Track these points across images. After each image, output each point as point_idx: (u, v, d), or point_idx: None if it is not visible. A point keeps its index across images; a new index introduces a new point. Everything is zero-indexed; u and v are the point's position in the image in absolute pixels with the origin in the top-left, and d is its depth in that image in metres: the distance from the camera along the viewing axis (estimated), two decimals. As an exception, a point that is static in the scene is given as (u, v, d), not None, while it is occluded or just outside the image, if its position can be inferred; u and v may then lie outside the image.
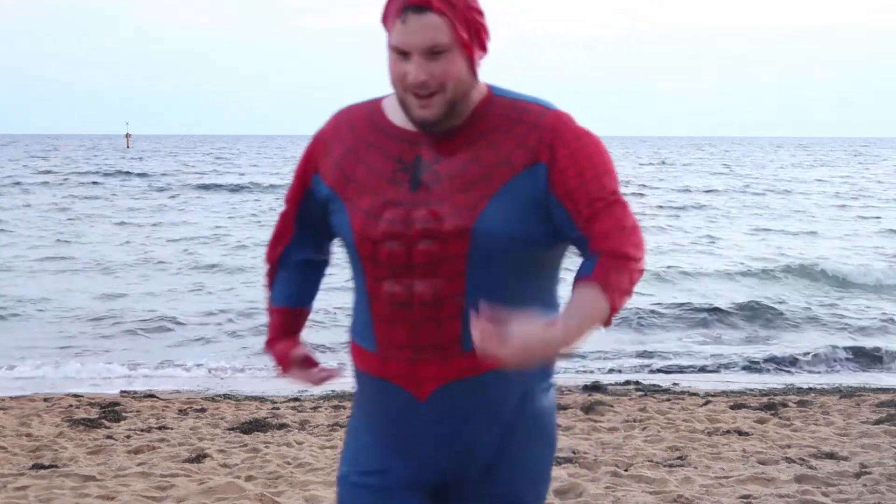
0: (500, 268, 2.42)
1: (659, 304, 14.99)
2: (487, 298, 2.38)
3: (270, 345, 2.73)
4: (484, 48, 2.43)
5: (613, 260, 2.37)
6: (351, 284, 2.59)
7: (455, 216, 2.39)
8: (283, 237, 2.71)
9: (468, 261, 2.39)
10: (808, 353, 12.00)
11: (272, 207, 32.52)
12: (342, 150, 2.52)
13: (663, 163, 75.27)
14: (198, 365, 11.26)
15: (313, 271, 2.76)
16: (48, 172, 51.74)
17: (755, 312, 14.61)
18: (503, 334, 2.24)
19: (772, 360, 11.77)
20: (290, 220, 2.69)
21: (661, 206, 34.51)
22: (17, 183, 42.94)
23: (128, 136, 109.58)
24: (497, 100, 2.47)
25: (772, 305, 15.03)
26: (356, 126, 2.54)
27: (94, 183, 44.53)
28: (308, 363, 2.69)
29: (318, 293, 2.78)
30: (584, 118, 2.48)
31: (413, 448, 2.53)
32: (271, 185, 42.53)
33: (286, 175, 48.69)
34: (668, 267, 19.31)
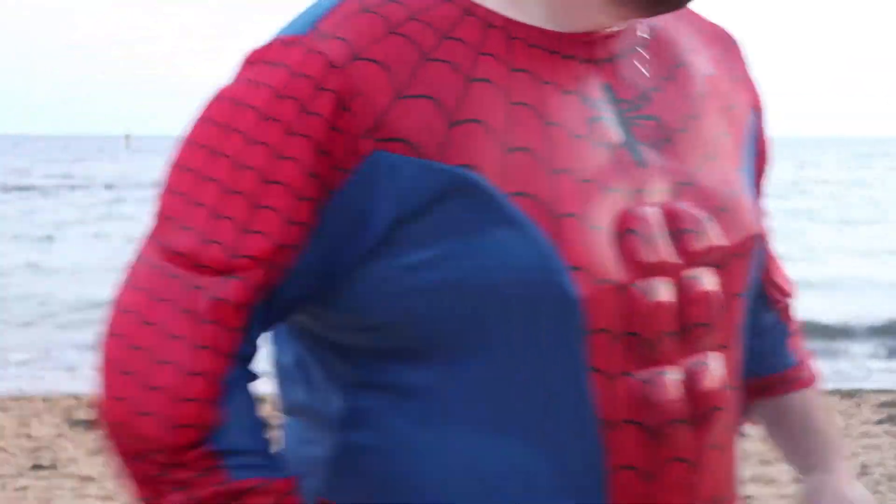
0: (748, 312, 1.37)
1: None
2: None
3: None
4: None
5: (794, 323, 1.42)
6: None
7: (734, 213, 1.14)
8: (226, 352, 0.99)
9: (743, 300, 1.16)
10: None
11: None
12: (457, 83, 1.00)
13: None
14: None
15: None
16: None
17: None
18: None
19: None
20: (258, 304, 1.00)
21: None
22: None
23: (127, 136, 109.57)
24: None
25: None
26: (448, 32, 1.02)
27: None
28: None
29: None
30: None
31: None
32: None
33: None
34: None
